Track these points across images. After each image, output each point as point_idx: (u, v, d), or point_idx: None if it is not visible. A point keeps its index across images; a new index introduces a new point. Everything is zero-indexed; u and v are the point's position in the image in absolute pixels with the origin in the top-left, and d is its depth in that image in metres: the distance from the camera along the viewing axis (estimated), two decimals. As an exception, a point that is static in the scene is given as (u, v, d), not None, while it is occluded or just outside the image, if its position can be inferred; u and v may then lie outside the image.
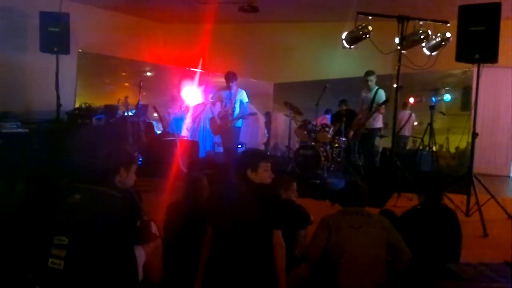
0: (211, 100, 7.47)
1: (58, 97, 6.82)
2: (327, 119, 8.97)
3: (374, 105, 6.72)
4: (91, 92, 9.06)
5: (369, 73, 6.95)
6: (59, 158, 5.94)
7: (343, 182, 6.05)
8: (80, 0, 8.32)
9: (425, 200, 3.27)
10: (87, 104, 7.46)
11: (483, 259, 3.00)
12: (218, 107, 7.26)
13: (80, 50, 8.63)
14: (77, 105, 8.01)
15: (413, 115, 9.29)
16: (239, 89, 7.08)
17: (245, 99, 7.07)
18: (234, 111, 6.98)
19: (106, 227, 2.39)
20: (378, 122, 7.02)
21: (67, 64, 7.48)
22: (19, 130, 6.30)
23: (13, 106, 6.74)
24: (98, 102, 7.76)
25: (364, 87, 7.05)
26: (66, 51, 6.93)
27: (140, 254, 2.63)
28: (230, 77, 6.96)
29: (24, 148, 6.11)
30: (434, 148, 7.31)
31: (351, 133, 7.29)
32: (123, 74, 10.12)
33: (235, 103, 6.97)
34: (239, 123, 7.12)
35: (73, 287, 2.30)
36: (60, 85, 6.85)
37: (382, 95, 6.77)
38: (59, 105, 6.84)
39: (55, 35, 6.81)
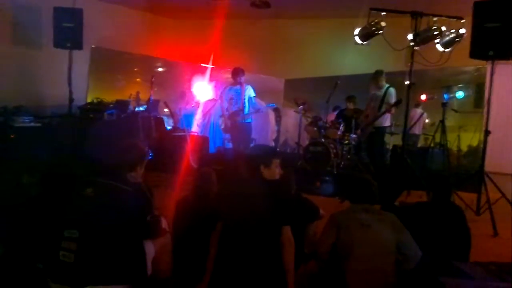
0: (221, 98, 7.42)
1: (70, 92, 6.88)
2: (335, 116, 8.93)
3: (385, 105, 6.66)
4: (103, 87, 9.13)
5: (378, 73, 6.89)
6: (72, 152, 6.00)
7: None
8: (93, -5, 8.39)
9: (433, 198, 3.25)
10: (99, 99, 7.50)
11: (493, 258, 2.97)
12: (226, 104, 7.24)
13: (93, 46, 8.68)
14: (89, 100, 8.06)
15: (425, 114, 9.20)
16: (245, 84, 7.05)
17: (252, 93, 7.05)
18: (244, 107, 6.97)
19: (117, 221, 2.42)
20: (387, 120, 6.96)
21: (79, 59, 7.54)
22: (32, 124, 6.37)
23: (26, 101, 6.82)
24: (109, 97, 7.81)
25: (373, 85, 6.99)
26: (79, 46, 6.98)
27: (150, 248, 2.65)
28: (237, 73, 6.92)
29: (37, 142, 6.17)
30: (445, 146, 7.24)
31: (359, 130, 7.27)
32: (135, 69, 10.17)
33: (244, 98, 6.96)
34: (249, 118, 7.12)
35: (83, 281, 2.33)
36: (72, 80, 6.92)
37: (392, 93, 6.71)
38: (71, 100, 6.90)
39: (68, 31, 6.86)
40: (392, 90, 6.72)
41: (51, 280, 2.40)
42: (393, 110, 6.68)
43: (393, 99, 6.59)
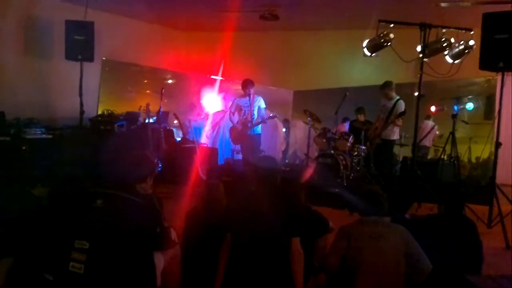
0: (230, 110, 7.46)
1: (81, 104, 6.98)
2: (345, 127, 8.92)
3: (391, 117, 6.64)
4: (114, 99, 9.22)
5: (386, 84, 6.88)
6: (83, 163, 6.04)
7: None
8: (105, 8, 8.48)
9: (445, 210, 3.22)
10: (109, 111, 7.57)
11: (505, 271, 2.93)
12: (236, 116, 7.28)
13: (103, 58, 8.79)
14: (99, 112, 8.14)
15: (436, 126, 9.17)
16: (256, 95, 7.10)
17: (263, 105, 7.10)
18: (253, 118, 7.00)
19: (127, 232, 2.42)
20: (395, 134, 6.93)
21: (91, 72, 7.64)
22: (43, 136, 6.44)
23: (38, 113, 6.89)
24: (120, 109, 7.88)
25: (382, 96, 6.98)
26: (91, 58, 7.09)
27: (159, 260, 2.65)
28: (247, 84, 6.98)
29: (48, 153, 6.23)
30: (456, 158, 7.19)
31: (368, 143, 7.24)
32: (145, 81, 10.26)
33: (253, 109, 7.00)
34: (258, 129, 7.14)
35: (93, 292, 2.33)
36: (83, 92, 7.00)
37: (401, 106, 6.68)
38: (82, 112, 7.00)
39: (80, 43, 6.98)
40: (401, 103, 6.70)
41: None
42: (399, 122, 6.65)
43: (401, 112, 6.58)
